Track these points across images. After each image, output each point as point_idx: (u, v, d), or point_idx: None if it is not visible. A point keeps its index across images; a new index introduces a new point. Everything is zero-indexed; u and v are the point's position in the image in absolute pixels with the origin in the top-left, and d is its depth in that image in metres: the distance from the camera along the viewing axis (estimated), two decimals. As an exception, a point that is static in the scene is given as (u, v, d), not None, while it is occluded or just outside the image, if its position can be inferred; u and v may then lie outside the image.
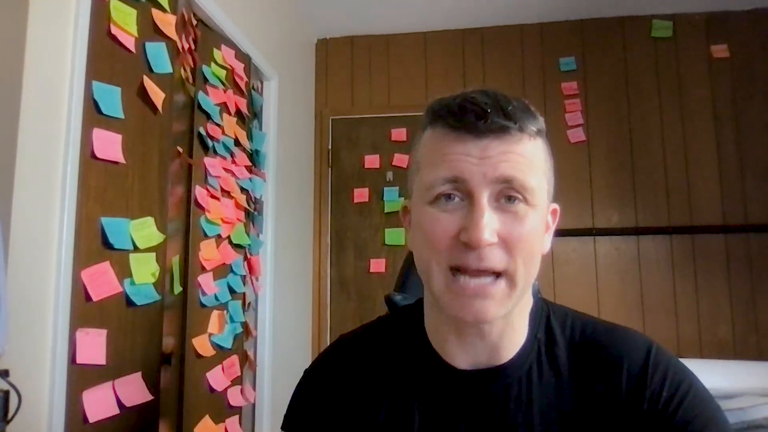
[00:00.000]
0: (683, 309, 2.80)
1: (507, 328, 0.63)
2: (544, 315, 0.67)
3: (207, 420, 1.74)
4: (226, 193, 1.97)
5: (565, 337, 0.65)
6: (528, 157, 0.59)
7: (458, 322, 0.62)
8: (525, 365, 0.63)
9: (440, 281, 0.59)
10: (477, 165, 0.57)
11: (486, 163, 0.57)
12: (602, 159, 2.96)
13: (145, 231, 1.45)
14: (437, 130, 0.61)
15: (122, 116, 1.38)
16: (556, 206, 0.67)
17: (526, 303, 0.66)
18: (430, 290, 0.62)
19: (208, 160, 1.86)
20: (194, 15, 1.83)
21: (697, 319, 2.77)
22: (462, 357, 0.64)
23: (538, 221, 0.60)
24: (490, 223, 0.56)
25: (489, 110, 0.57)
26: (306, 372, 0.75)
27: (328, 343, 0.80)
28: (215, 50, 1.96)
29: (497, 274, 0.57)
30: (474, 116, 0.57)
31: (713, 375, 1.65)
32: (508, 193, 0.58)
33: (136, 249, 1.41)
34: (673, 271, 2.84)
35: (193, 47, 1.81)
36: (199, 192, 1.79)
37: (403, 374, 0.68)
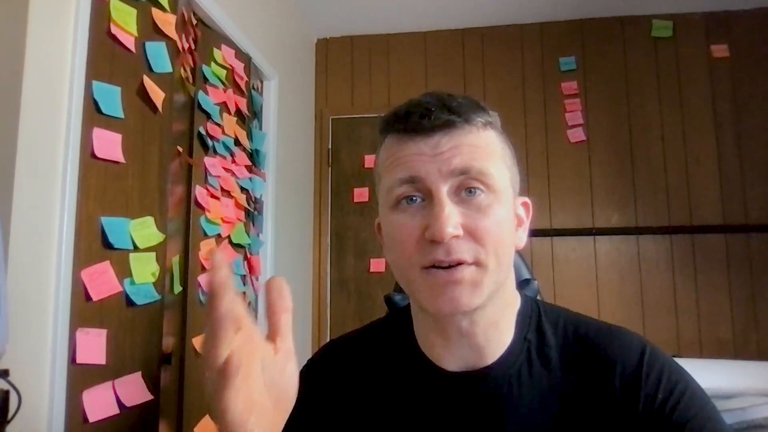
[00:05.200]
0: (683, 309, 2.80)
1: (491, 328, 0.62)
2: (535, 316, 0.67)
3: (207, 420, 1.74)
4: (226, 192, 1.97)
5: (558, 338, 0.65)
6: (481, 146, 0.60)
7: (441, 323, 0.62)
8: (514, 366, 0.63)
9: (416, 281, 0.59)
10: (430, 162, 0.58)
11: (439, 158, 0.58)
12: (602, 159, 2.96)
13: (145, 231, 1.45)
14: (390, 139, 0.63)
15: (122, 116, 1.38)
16: (526, 199, 0.67)
17: (511, 303, 0.66)
18: (409, 292, 0.62)
19: (208, 160, 1.86)
20: (194, 14, 1.83)
21: (697, 318, 2.78)
22: (450, 360, 0.64)
23: (505, 213, 0.59)
24: (451, 216, 0.56)
25: (433, 108, 0.59)
26: None
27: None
28: (215, 50, 1.96)
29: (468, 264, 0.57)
30: (419, 116, 0.59)
31: (713, 375, 1.65)
32: (468, 185, 0.58)
33: (136, 249, 1.41)
34: (673, 271, 2.84)
35: (193, 47, 1.81)
36: (199, 192, 1.79)
37: (391, 378, 0.67)
